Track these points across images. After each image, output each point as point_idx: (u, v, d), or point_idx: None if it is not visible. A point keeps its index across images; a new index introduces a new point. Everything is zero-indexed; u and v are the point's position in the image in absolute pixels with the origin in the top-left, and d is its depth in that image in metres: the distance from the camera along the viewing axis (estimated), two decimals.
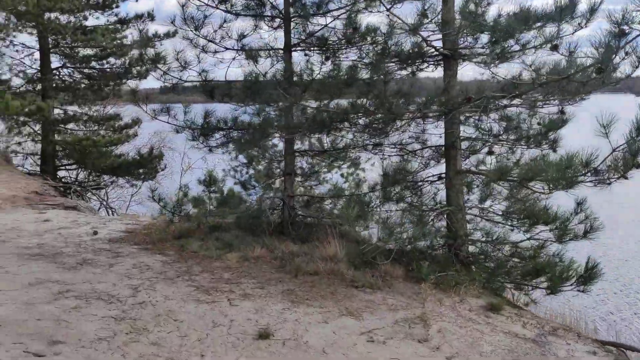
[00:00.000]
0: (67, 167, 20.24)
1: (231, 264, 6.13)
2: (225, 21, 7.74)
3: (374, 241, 6.16)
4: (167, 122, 7.69)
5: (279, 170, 9.22)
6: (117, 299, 5.04)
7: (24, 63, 19.83)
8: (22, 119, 18.20)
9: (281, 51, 7.61)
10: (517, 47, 6.12)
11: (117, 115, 21.80)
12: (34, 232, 7.66)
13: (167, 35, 19.65)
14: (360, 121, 7.35)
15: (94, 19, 20.22)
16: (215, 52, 7.71)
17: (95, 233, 7.70)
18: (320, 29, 7.24)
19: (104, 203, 18.51)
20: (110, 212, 17.85)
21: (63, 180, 19.05)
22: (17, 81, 19.87)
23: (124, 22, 20.69)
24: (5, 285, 5.28)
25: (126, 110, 23.01)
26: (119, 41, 20.01)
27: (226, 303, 5.02)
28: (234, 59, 7.78)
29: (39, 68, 19.53)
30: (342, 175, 11.31)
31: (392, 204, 7.28)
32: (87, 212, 11.59)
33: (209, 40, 7.67)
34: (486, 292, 5.72)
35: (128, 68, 20.72)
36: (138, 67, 20.81)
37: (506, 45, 5.85)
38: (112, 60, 20.71)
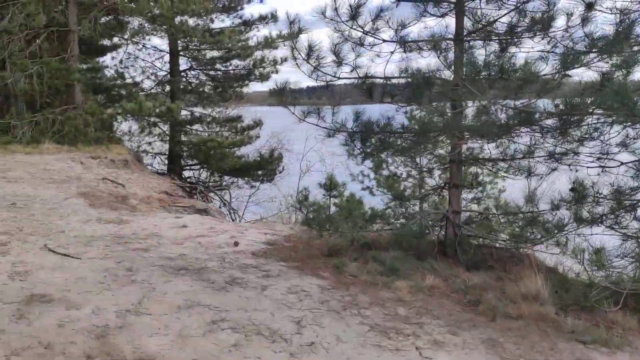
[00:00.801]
0: (191, 167, 20.59)
1: (402, 295, 5.09)
2: (382, 10, 6.79)
3: (587, 275, 4.82)
4: (317, 125, 6.85)
5: (434, 180, 8.11)
6: (280, 336, 4.19)
7: (155, 65, 20.46)
8: (152, 119, 18.70)
9: (450, 42, 6.50)
10: None
11: (238, 117, 21.89)
12: (173, 240, 7.16)
13: (291, 36, 19.33)
14: (549, 123, 6.06)
15: (220, 22, 20.40)
16: (373, 45, 6.76)
17: (236, 244, 7.05)
18: (506, 13, 6.00)
19: (227, 204, 18.46)
20: (232, 214, 17.73)
21: (188, 180, 19.33)
22: (148, 83, 20.55)
23: (248, 24, 20.68)
24: (154, 307, 4.65)
25: (247, 112, 23.09)
26: (243, 43, 19.96)
27: (415, 353, 3.97)
28: (392, 52, 6.80)
29: (168, 70, 20.00)
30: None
31: (585, 226, 5.92)
32: (217, 215, 11.22)
33: (365, 32, 6.75)
34: None
35: (251, 70, 20.63)
36: (261, 69, 20.66)
37: None
38: (235, 62, 20.77)
